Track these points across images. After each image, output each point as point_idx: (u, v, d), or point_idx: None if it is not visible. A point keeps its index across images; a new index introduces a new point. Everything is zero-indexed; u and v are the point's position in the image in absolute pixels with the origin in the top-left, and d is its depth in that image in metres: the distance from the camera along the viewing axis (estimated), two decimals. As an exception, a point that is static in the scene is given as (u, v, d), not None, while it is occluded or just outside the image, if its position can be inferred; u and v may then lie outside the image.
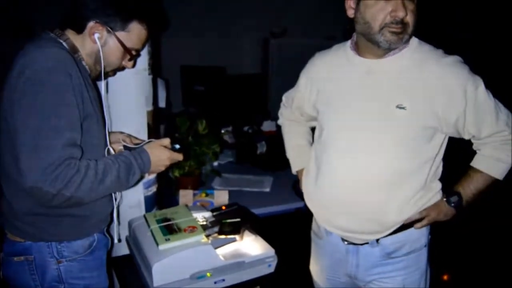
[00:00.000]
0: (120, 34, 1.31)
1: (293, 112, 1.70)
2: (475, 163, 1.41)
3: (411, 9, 1.24)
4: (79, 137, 1.20)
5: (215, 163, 2.70)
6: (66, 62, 1.18)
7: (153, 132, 1.77)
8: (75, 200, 1.17)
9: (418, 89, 1.28)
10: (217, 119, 3.04)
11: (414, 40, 1.35)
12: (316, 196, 1.49)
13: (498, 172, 1.38)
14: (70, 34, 1.30)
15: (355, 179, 1.36)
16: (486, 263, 2.86)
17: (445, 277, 2.69)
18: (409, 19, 1.24)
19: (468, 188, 1.41)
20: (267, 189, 2.44)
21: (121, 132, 1.57)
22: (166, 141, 1.46)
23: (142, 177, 1.43)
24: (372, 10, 1.25)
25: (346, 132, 1.38)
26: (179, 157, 1.47)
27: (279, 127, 3.37)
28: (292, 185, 2.47)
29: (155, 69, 1.78)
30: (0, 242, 1.37)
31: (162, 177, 2.00)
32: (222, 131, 3.06)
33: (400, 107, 1.28)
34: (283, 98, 1.75)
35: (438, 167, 1.43)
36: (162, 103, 2.40)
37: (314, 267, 1.65)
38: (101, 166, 1.22)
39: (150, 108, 1.76)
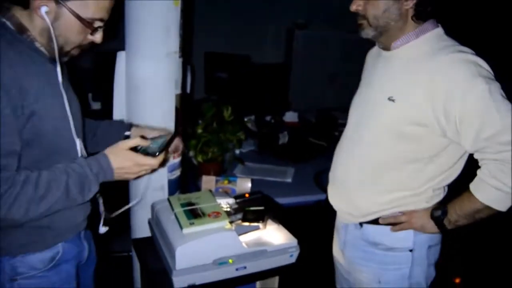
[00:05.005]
0: (73, 4, 1.08)
1: None
2: (472, 181, 1.26)
3: (370, 1, 1.29)
4: (18, 143, 1.03)
5: (237, 151, 2.69)
6: None
7: (181, 116, 1.77)
8: (9, 221, 1.02)
9: (409, 83, 1.27)
10: (240, 107, 3.03)
11: (433, 33, 1.30)
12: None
13: (489, 198, 1.20)
14: (17, 10, 1.09)
15: (345, 164, 1.48)
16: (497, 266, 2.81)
17: (457, 280, 2.65)
18: (367, 11, 1.30)
19: (453, 208, 1.29)
20: (289, 180, 2.42)
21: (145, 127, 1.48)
22: (133, 142, 1.20)
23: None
24: None
25: (351, 123, 1.49)
26: (151, 162, 1.20)
27: (301, 118, 3.39)
28: (314, 177, 2.45)
29: (185, 54, 1.78)
30: None
31: (185, 162, 2.01)
32: (245, 119, 3.05)
33: (390, 99, 1.31)
34: None
35: (441, 175, 1.35)
36: (188, 88, 2.40)
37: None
38: (44, 178, 1.04)
39: (179, 91, 1.76)
